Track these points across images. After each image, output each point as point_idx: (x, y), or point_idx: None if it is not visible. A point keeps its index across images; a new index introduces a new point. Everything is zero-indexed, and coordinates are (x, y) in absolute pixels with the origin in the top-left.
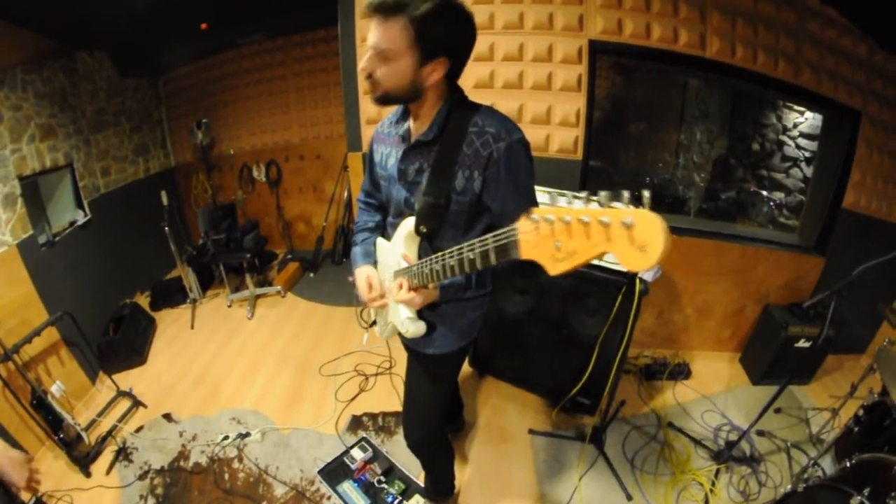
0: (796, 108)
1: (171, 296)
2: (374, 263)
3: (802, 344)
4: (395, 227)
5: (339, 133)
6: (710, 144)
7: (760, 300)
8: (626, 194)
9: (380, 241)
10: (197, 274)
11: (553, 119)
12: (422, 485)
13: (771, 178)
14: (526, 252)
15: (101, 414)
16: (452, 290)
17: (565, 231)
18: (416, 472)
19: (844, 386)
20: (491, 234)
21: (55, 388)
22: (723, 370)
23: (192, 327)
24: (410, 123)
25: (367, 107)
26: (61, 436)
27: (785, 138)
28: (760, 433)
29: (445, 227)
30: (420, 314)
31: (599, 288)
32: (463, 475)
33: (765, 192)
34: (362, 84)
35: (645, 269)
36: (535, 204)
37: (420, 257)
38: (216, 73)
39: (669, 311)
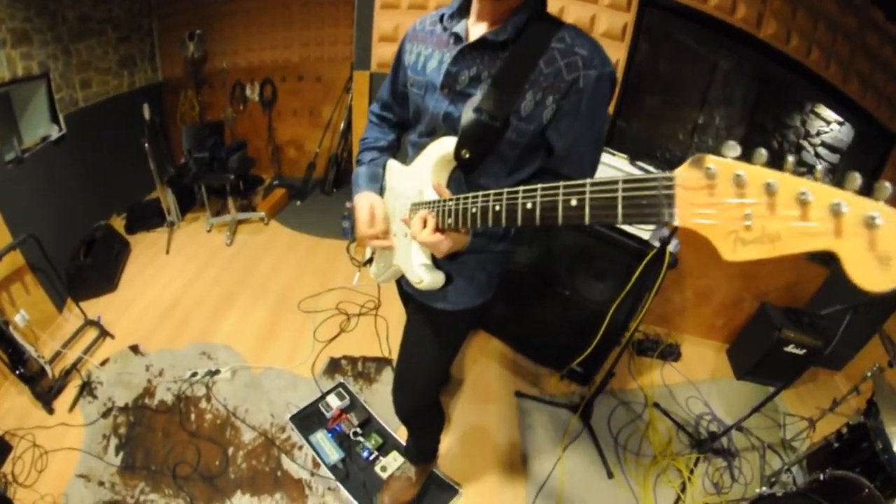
0: (823, 116)
1: (149, 218)
2: (381, 191)
3: (791, 349)
4: (419, 147)
5: (343, 55)
6: (727, 131)
7: (759, 297)
8: (857, 176)
9: (392, 163)
10: (177, 196)
11: None
12: (400, 440)
13: None
14: (686, 216)
15: (65, 345)
16: (485, 239)
17: (765, 203)
18: (394, 425)
19: (818, 398)
20: (620, 179)
21: (18, 318)
22: (709, 358)
23: (168, 252)
24: (469, 22)
25: (381, 22)
26: (21, 371)
27: (805, 143)
28: (739, 428)
29: (492, 160)
30: (435, 262)
31: (616, 251)
32: (445, 434)
33: None
34: None
35: (880, 289)
36: (599, 155)
37: (451, 190)
38: None
39: (671, 290)
